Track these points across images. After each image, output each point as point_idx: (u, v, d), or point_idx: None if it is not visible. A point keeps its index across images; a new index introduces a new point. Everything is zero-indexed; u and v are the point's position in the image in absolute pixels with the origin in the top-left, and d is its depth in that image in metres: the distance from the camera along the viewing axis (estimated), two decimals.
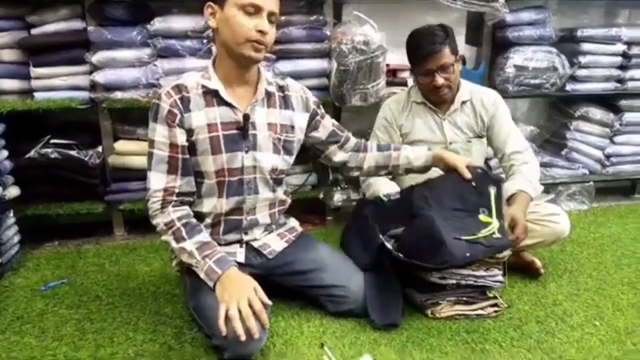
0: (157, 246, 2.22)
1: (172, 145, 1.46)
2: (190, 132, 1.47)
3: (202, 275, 1.42)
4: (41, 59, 2.12)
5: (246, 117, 1.50)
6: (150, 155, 1.49)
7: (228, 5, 1.40)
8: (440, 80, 1.84)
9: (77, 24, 2.14)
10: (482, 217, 1.59)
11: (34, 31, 2.12)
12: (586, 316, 1.64)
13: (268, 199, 1.60)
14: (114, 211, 2.35)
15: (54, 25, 2.12)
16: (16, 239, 2.09)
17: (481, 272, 1.62)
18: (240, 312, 1.31)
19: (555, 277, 1.91)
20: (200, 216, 1.55)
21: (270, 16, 1.44)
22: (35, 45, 2.12)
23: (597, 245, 2.22)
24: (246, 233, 1.61)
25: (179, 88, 1.47)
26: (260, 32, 1.41)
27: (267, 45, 1.45)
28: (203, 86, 1.48)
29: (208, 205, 1.55)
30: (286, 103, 1.60)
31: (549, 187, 2.70)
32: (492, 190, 1.63)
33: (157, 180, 1.48)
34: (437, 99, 1.94)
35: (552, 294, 1.79)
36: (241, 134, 1.50)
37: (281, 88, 1.60)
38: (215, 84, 1.49)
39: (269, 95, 1.56)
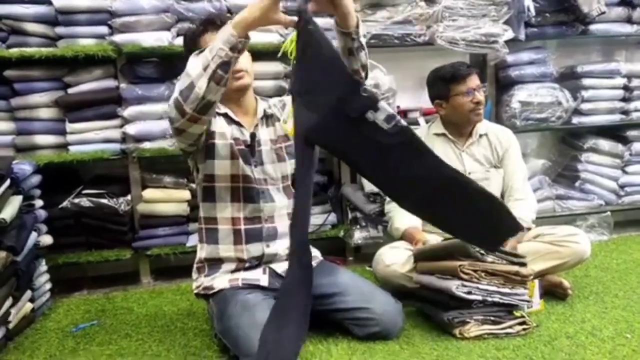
0: (183, 289, 2.26)
1: None
2: (211, 134, 1.60)
3: (220, 45, 1.31)
4: (76, 115, 2.29)
5: (253, 135, 1.65)
6: None
7: None
8: (480, 96, 2.01)
9: (110, 83, 2.33)
10: None
11: (70, 90, 2.31)
12: (616, 330, 1.62)
13: (285, 206, 1.69)
14: (141, 258, 2.42)
15: (89, 84, 2.31)
16: (47, 286, 2.15)
17: (506, 290, 1.64)
18: None
19: (582, 298, 1.90)
20: (214, 222, 1.64)
21: None
22: (72, 102, 2.29)
23: (621, 270, 2.21)
24: (268, 245, 1.66)
25: None
26: None
27: (244, 69, 1.61)
28: None
29: (222, 209, 1.64)
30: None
31: (567, 219, 2.72)
32: None
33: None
34: (475, 119, 2.06)
35: (579, 312, 1.78)
36: (249, 151, 1.64)
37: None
38: (223, 109, 1.66)
39: (267, 117, 1.72)
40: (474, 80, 2.02)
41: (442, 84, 2.05)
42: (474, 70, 2.05)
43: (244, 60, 1.62)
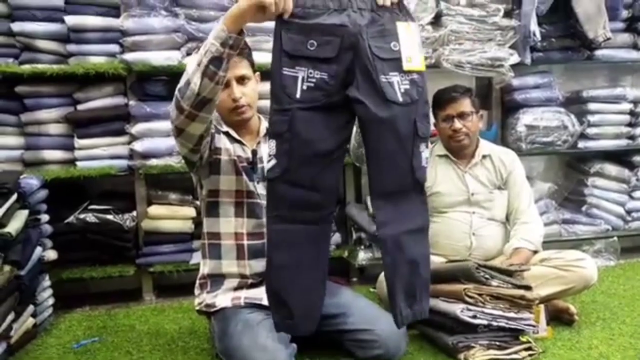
0: (185, 307, 2.25)
1: None
2: (215, 150, 1.62)
3: (211, 39, 1.33)
4: (85, 131, 2.31)
5: (254, 152, 1.67)
6: None
7: None
8: (458, 124, 1.99)
9: (119, 100, 2.36)
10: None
11: (79, 107, 2.33)
12: (624, 357, 1.60)
13: None
14: (144, 275, 2.41)
15: (99, 101, 2.33)
16: (50, 301, 2.14)
17: (512, 314, 1.62)
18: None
19: (589, 324, 1.88)
20: (218, 237, 1.64)
21: (240, 80, 1.61)
22: (80, 119, 2.31)
23: (628, 296, 2.18)
24: None
25: None
26: (234, 99, 1.60)
27: (247, 104, 1.63)
28: (215, 128, 1.66)
29: (226, 225, 1.64)
30: None
31: (573, 244, 2.70)
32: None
33: None
34: (456, 146, 2.05)
35: (586, 339, 1.75)
36: (251, 167, 1.65)
37: None
38: (225, 128, 1.69)
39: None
40: (455, 107, 2.00)
41: (432, 108, 2.08)
42: (459, 96, 2.01)
43: (249, 94, 1.64)
